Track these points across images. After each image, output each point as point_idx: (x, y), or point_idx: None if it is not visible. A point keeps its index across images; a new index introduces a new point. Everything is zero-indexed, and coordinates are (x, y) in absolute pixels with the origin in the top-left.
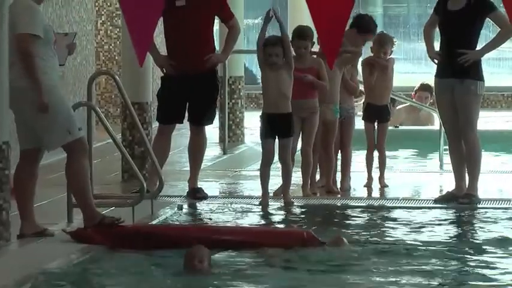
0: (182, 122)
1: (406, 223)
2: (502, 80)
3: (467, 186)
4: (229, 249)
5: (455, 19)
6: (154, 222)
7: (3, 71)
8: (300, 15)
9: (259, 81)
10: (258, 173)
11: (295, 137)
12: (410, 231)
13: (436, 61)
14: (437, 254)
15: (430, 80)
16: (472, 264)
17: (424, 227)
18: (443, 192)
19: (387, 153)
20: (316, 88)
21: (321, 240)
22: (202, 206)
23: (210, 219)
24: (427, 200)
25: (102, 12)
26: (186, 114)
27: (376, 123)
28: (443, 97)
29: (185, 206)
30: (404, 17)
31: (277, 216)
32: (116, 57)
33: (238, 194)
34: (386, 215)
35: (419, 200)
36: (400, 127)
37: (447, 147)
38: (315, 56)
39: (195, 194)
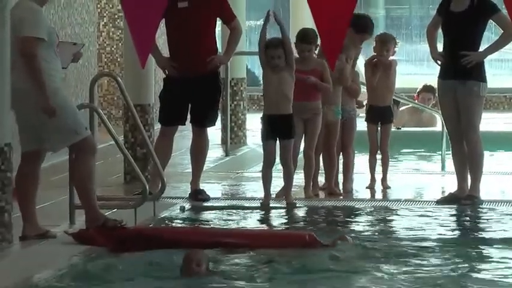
0: (184, 124)
1: (409, 225)
2: (504, 81)
3: (469, 187)
4: (231, 251)
5: (458, 20)
6: (156, 224)
7: (5, 73)
8: (302, 16)
9: (261, 82)
10: (260, 174)
11: (297, 139)
12: (412, 233)
13: (439, 62)
14: (439, 255)
15: (433, 82)
16: (475, 265)
17: (426, 228)
18: (446, 194)
19: (389, 154)
20: (319, 90)
21: (323, 242)
22: (204, 208)
23: (212, 221)
24: (430, 202)
25: (104, 14)
26: (188, 116)
27: (379, 125)
28: (446, 98)
29: (187, 208)
30: (406, 19)
31: (279, 218)
32: (118, 59)
33: (241, 195)
34: (388, 216)
35: (421, 202)
36: (403, 129)
37: (449, 148)
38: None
39: (197, 196)
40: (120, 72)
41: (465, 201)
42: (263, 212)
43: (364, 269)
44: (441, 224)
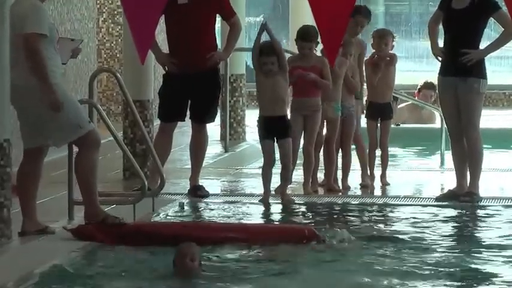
0: (184, 120)
1: (407, 221)
2: (504, 78)
3: (468, 184)
4: (231, 246)
5: (459, 17)
6: (155, 220)
7: (4, 69)
8: (301, 13)
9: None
10: (259, 171)
11: (297, 135)
12: (411, 230)
13: (439, 58)
14: (438, 252)
15: (432, 78)
16: (474, 261)
17: (425, 225)
18: (445, 191)
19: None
20: (319, 87)
21: (322, 237)
22: (203, 204)
23: (211, 216)
24: (429, 198)
25: (104, 10)
26: (188, 112)
27: (379, 121)
28: (446, 95)
29: (186, 204)
30: (406, 15)
31: (279, 214)
32: (118, 55)
33: (240, 191)
34: (387, 213)
35: (420, 198)
36: (402, 125)
37: (449, 145)
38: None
39: (196, 192)
40: (120, 68)
41: (464, 198)
42: (262, 208)
43: (361, 266)
44: (440, 221)
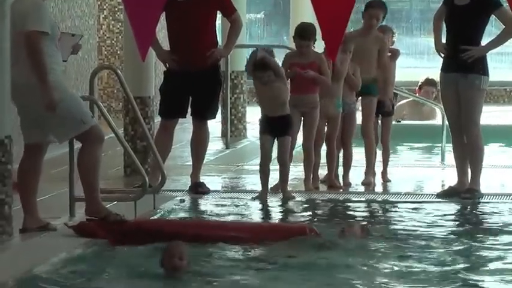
0: (185, 117)
1: (408, 218)
2: (505, 74)
3: (469, 181)
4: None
5: (461, 14)
6: (156, 216)
7: (5, 66)
8: (303, 10)
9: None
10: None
11: (295, 132)
12: (412, 226)
13: (442, 54)
14: (439, 249)
15: (433, 75)
16: (474, 258)
17: (425, 222)
18: (446, 187)
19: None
20: (318, 83)
21: (323, 236)
22: (204, 201)
23: (212, 213)
24: (429, 195)
25: (104, 7)
26: (189, 109)
27: (379, 118)
28: (447, 91)
29: (187, 201)
30: (407, 12)
31: (279, 211)
32: (118, 52)
33: (241, 188)
34: (388, 209)
35: (421, 195)
36: (403, 122)
37: (450, 142)
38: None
39: (197, 189)
40: (120, 65)
41: (465, 195)
42: (262, 206)
43: (360, 263)
44: (441, 217)
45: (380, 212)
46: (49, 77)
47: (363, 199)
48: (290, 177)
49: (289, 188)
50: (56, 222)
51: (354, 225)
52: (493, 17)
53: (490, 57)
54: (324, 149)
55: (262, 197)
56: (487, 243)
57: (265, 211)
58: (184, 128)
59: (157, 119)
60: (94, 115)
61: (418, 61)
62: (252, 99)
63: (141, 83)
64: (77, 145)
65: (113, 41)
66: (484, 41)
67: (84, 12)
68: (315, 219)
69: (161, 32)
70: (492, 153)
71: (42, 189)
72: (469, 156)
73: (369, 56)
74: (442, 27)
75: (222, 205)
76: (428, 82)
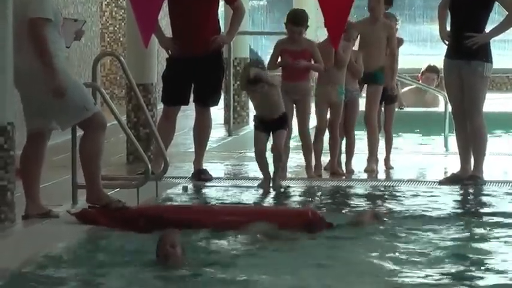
0: (188, 104)
1: (411, 205)
2: (508, 62)
3: (472, 168)
4: (233, 229)
5: (465, 1)
6: (159, 203)
7: (7, 53)
8: None
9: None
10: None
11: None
12: (414, 213)
13: (446, 42)
14: (442, 235)
15: (436, 62)
16: (477, 246)
17: (428, 208)
18: (448, 174)
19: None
20: (312, 70)
21: (328, 221)
22: (207, 188)
23: (215, 200)
24: (432, 182)
25: None
26: (192, 96)
27: (382, 105)
28: (451, 78)
29: (190, 188)
30: None
31: (281, 198)
32: (121, 39)
33: (243, 175)
34: (391, 197)
35: (424, 182)
36: (406, 109)
37: (453, 129)
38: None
39: (200, 176)
40: (123, 51)
41: (468, 182)
42: (264, 193)
43: (364, 252)
44: (444, 204)
45: (382, 198)
46: (55, 62)
47: (366, 186)
48: (293, 164)
49: (291, 175)
50: (58, 209)
51: (366, 213)
52: (496, 4)
53: (492, 44)
54: (326, 135)
55: (264, 185)
56: (490, 231)
57: (268, 198)
58: (187, 114)
59: (160, 106)
60: (97, 102)
61: (420, 48)
62: None
63: (144, 70)
64: (79, 132)
65: (116, 28)
66: (488, 28)
67: None
68: (317, 207)
69: (164, 20)
70: (495, 140)
71: (44, 177)
72: (472, 143)
73: (378, 43)
74: (447, 15)
75: (225, 192)
76: (430, 69)
